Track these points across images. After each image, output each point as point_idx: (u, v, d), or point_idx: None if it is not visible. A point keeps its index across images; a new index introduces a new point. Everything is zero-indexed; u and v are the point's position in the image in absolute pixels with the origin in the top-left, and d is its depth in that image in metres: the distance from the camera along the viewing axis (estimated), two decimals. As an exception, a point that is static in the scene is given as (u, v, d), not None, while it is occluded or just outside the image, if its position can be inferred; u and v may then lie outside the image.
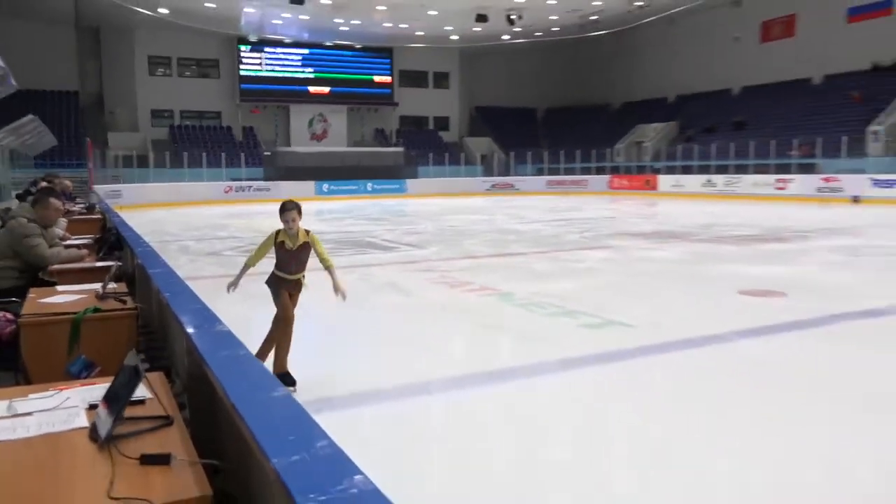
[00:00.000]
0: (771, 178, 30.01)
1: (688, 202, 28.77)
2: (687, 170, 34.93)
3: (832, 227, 16.60)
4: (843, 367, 5.28)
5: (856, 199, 25.73)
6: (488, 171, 42.09)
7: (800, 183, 28.68)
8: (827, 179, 27.75)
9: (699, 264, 10.81)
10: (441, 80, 47.11)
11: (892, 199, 24.84)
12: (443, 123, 47.28)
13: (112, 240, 6.68)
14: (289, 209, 4.73)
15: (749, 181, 30.80)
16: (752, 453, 3.71)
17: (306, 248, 4.85)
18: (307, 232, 4.86)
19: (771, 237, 14.34)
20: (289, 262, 4.84)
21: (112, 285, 3.89)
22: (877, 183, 25.94)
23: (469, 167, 41.86)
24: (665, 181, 35.13)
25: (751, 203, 27.04)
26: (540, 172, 41.59)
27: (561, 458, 3.69)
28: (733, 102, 39.06)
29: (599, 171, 39.74)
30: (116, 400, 1.91)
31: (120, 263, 4.79)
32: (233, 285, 4.91)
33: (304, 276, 4.96)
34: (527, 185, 39.26)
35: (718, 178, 32.18)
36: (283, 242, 4.80)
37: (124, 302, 3.64)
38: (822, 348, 5.86)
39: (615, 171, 39.42)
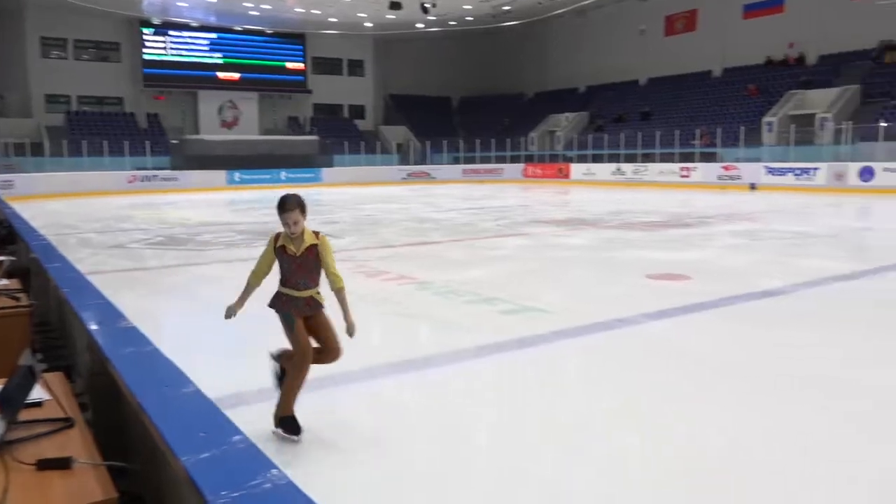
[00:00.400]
0: (675, 166, 31.35)
1: (598, 190, 29.66)
2: (597, 158, 35.98)
3: (732, 212, 17.51)
4: (743, 346, 5.58)
5: (753, 187, 27.25)
6: (404, 160, 42.02)
7: (702, 171, 30.10)
8: (727, 168, 29.23)
9: (609, 250, 11.18)
10: (355, 67, 46.58)
11: (784, 185, 26.47)
12: (358, 112, 46.80)
13: (3, 233, 6.26)
14: (289, 209, 3.61)
15: (655, 169, 32.07)
16: (661, 431, 3.87)
17: (315, 254, 3.75)
18: (316, 234, 3.76)
19: (676, 223, 14.99)
20: (295, 271, 3.75)
21: (3, 282, 3.65)
22: (771, 171, 27.56)
23: (385, 156, 41.66)
24: (577, 170, 36.09)
25: (657, 190, 28.17)
26: (455, 161, 41.86)
27: (480, 443, 3.74)
28: (640, 93, 40.50)
29: (514, 159, 40.40)
30: (10, 403, 1.79)
31: (13, 258, 4.50)
32: (232, 311, 3.91)
33: (318, 293, 3.83)
34: (443, 173, 39.44)
35: (627, 167, 33.34)
36: (284, 247, 3.73)
37: (17, 299, 3.42)
38: (725, 328, 6.18)
39: (529, 159, 40.16)
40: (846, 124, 27.47)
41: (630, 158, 34.07)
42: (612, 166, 34.09)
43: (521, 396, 4.48)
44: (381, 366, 5.09)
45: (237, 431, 1.38)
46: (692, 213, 17.34)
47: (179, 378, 1.75)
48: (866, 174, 24.58)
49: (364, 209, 20.50)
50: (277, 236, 3.76)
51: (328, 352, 3.84)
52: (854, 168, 24.95)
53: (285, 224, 3.67)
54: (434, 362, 5.22)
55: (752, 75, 35.23)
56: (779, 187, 26.40)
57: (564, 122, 40.97)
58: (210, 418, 1.49)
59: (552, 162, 38.78)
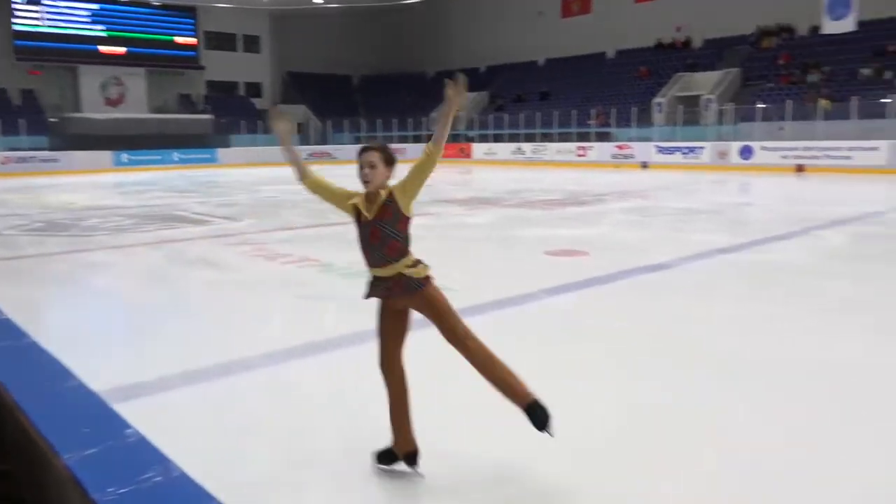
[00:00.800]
0: (572, 145, 32.29)
1: (499, 169, 30.15)
2: (498, 138, 36.52)
3: (625, 190, 18.25)
4: (638, 317, 5.85)
5: (644, 165, 28.47)
6: (305, 140, 41.13)
7: (597, 150, 31.16)
8: (620, 147, 30.39)
9: (510, 228, 11.41)
10: (251, 43, 44.99)
11: (672, 164, 27.82)
12: (254, 90, 45.32)
13: None
14: (367, 149, 2.93)
15: (554, 149, 32.90)
16: (564, 403, 4.00)
17: (393, 212, 2.92)
18: (391, 192, 2.94)
19: (573, 201, 15.47)
20: (369, 241, 2.94)
21: None
22: (661, 150, 28.88)
23: (284, 136, 40.57)
24: (478, 149, 36.50)
25: (555, 169, 28.93)
26: (357, 141, 41.34)
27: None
28: (539, 74, 41.32)
29: (416, 139, 40.34)
30: None
31: None
32: (281, 132, 3.13)
33: (414, 265, 3.02)
34: (344, 153, 38.84)
35: (527, 146, 34.04)
36: (359, 212, 2.96)
37: None
38: (621, 301, 6.45)
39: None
40: (728, 105, 29.14)
41: (529, 138, 34.79)
42: (513, 146, 34.71)
43: (429, 374, 4.51)
44: (283, 350, 4.99)
45: (126, 425, 1.32)
46: (589, 191, 17.94)
47: (60, 372, 1.65)
48: (746, 153, 26.20)
49: (263, 190, 19.97)
50: (353, 196, 3.01)
51: (455, 343, 2.99)
52: (735, 147, 26.54)
53: (360, 168, 2.89)
54: (340, 344, 5.16)
55: (644, 57, 36.68)
56: (668, 165, 27.72)
57: (465, 102, 41.22)
58: (95, 413, 1.41)
59: (454, 141, 39.01)
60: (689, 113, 30.45)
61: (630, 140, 30.57)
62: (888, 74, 26.80)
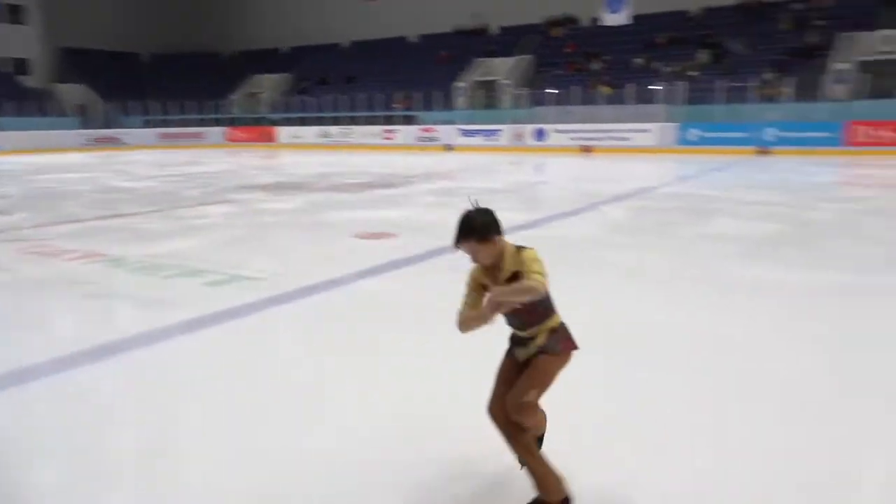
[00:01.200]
0: (379, 128, 32.52)
1: (306, 153, 29.57)
2: (304, 122, 35.76)
3: (431, 172, 18.74)
4: (452, 295, 6.01)
5: (449, 147, 29.41)
6: (87, 124, 37.38)
7: (403, 133, 31.67)
8: (425, 130, 31.12)
9: (318, 213, 11.24)
10: (15, 13, 39.90)
11: (474, 146, 29.04)
12: (21, 66, 40.26)
13: None
14: (460, 240, 2.70)
15: (360, 132, 32.92)
16: (386, 382, 4.03)
17: (522, 279, 2.63)
18: (519, 250, 2.70)
19: (381, 184, 15.59)
20: (506, 312, 2.72)
21: None
22: (463, 132, 30.01)
23: (61, 119, 36.60)
24: (284, 133, 35.51)
25: (363, 153, 28.97)
26: (149, 125, 38.39)
27: (196, 424, 3.53)
28: (344, 56, 40.98)
29: (217, 122, 38.33)
30: None
31: None
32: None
33: (549, 331, 2.70)
34: (135, 138, 35.98)
35: (333, 130, 33.71)
36: (483, 286, 2.72)
37: None
38: (432, 280, 6.61)
39: (232, 122, 38.41)
40: (523, 90, 30.92)
41: (336, 122, 34.49)
42: (319, 129, 34.19)
43: (239, 368, 4.32)
44: (73, 355, 4.52)
45: None
46: (396, 174, 18.19)
47: None
48: (540, 135, 28.03)
49: (37, 180, 17.88)
50: (473, 271, 2.74)
51: (509, 407, 2.65)
52: (530, 130, 28.28)
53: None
54: (136, 344, 4.78)
55: (445, 43, 37.74)
56: (470, 147, 28.89)
57: (268, 84, 39.84)
58: None
59: (256, 125, 37.58)
60: (489, 97, 31.90)
61: (435, 123, 31.41)
62: (657, 64, 29.97)
